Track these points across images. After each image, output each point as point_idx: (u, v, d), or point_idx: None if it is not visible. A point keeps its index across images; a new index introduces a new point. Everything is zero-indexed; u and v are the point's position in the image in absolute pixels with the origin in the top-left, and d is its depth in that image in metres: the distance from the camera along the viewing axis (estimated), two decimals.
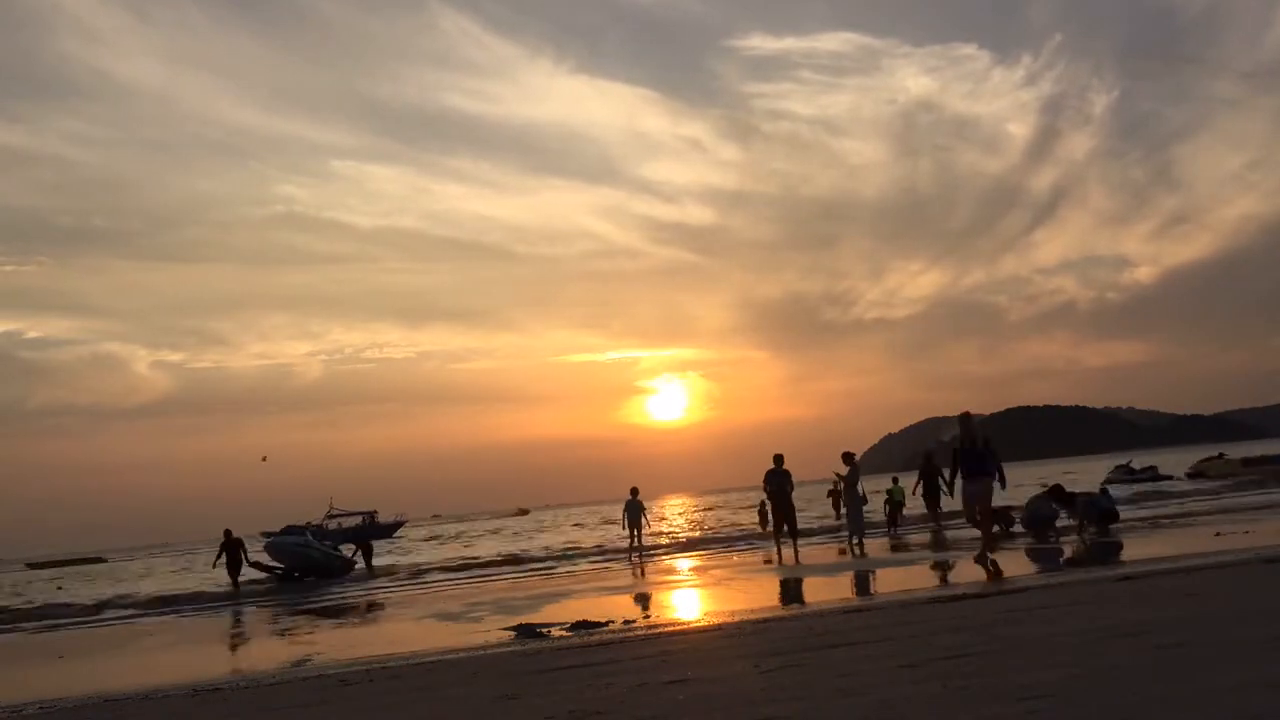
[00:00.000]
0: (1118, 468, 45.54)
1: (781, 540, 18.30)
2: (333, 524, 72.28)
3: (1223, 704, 3.62)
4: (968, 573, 11.61)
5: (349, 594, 19.93)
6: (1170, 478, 40.23)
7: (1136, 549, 13.11)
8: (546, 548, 30.09)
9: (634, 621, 9.93)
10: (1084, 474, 48.16)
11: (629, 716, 4.52)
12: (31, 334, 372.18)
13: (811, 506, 31.07)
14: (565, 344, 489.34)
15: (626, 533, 23.17)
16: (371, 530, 69.75)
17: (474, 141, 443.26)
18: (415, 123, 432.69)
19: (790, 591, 12.23)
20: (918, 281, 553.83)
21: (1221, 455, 42.08)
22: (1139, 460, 53.26)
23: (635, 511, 22.89)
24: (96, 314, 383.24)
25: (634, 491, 23.01)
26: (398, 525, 74.31)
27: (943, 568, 13.33)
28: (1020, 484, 26.67)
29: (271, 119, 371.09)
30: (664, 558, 22.10)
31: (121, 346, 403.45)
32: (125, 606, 21.85)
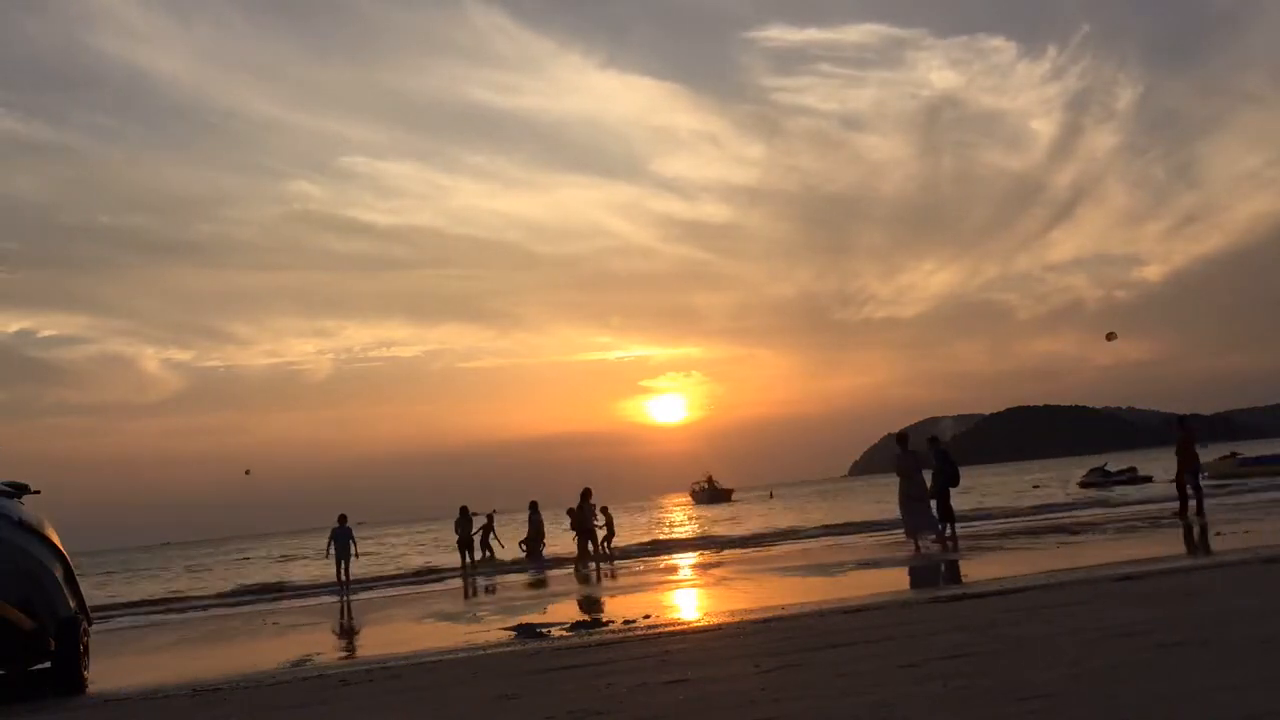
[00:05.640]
0: (1093, 470, 43.66)
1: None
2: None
3: (1222, 704, 3.62)
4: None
5: None
6: (1149, 479, 37.05)
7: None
8: None
9: (634, 621, 9.93)
10: (1065, 476, 47.09)
11: (629, 716, 4.52)
12: (44, 333, 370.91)
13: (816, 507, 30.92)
14: (576, 342, 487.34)
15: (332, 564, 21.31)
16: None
17: (496, 137, 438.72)
18: (439, 118, 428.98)
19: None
20: (929, 281, 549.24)
21: (1234, 454, 38.54)
22: (1131, 461, 52.35)
23: (344, 540, 21.08)
24: (107, 312, 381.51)
25: (342, 519, 21.16)
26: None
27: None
28: (985, 491, 26.65)
29: (292, 113, 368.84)
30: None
31: (132, 345, 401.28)
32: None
